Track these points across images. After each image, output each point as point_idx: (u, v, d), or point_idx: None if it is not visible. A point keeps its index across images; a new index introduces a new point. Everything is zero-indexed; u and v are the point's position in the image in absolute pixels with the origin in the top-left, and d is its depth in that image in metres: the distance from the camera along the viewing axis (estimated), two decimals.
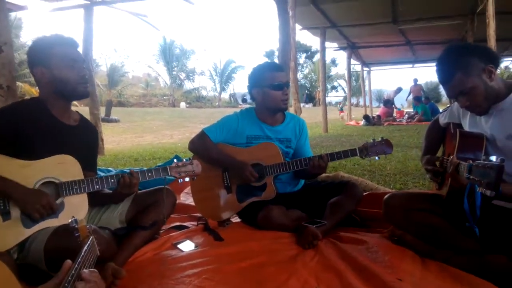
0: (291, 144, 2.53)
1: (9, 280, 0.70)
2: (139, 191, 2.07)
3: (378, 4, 8.01)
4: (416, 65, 18.83)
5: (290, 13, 6.34)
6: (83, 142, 1.96)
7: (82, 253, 0.95)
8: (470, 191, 1.53)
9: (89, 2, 6.71)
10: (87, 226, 1.12)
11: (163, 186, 2.06)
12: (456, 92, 1.74)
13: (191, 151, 2.48)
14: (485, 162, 1.34)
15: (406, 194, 2.21)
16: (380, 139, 2.28)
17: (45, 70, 1.81)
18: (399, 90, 16.82)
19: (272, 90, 2.39)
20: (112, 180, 1.83)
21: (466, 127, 1.91)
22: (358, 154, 2.27)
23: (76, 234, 1.09)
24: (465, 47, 1.76)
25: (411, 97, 15.93)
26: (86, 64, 1.98)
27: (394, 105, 16.04)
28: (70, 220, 1.11)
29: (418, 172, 4.13)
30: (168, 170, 1.94)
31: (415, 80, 16.15)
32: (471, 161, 1.46)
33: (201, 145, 2.44)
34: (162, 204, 2.02)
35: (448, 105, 2.80)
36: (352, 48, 13.72)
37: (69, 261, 0.91)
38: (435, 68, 1.79)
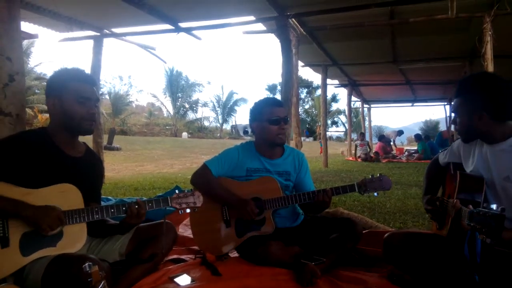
0: (290, 177, 2.55)
1: None
2: (141, 225, 2.07)
3: (378, 45, 8.24)
4: (415, 104, 19.11)
5: (294, 50, 6.53)
6: (87, 173, 1.97)
7: None
8: (470, 236, 1.53)
9: (99, 34, 6.92)
10: (100, 273, 1.16)
11: (163, 220, 2.06)
12: (453, 108, 1.87)
13: (192, 184, 2.49)
14: (486, 210, 1.34)
15: (406, 233, 2.20)
16: (378, 175, 2.30)
17: (57, 101, 1.86)
18: (400, 133, 17.04)
19: (269, 125, 2.44)
20: (112, 210, 1.83)
21: (469, 165, 1.90)
22: (357, 190, 2.28)
23: (89, 279, 1.14)
24: (488, 85, 1.74)
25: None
26: (98, 103, 2.00)
27: (394, 143, 16.20)
28: (84, 265, 1.16)
29: (418, 211, 4.12)
30: (169, 201, 1.94)
31: (400, 132, 16.45)
32: (471, 206, 1.47)
33: (202, 178, 2.45)
34: (162, 239, 2.01)
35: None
36: (353, 86, 13.98)
37: None
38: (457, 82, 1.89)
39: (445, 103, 16.90)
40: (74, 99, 1.85)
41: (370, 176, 2.29)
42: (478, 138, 1.82)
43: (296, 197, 2.32)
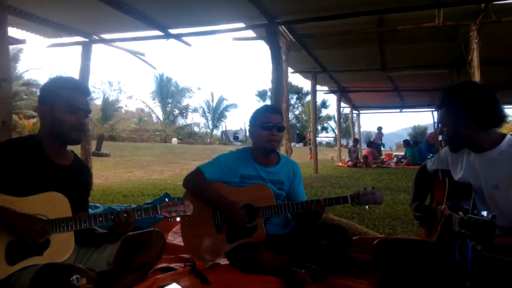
0: (283, 187, 2.55)
1: None
2: (129, 233, 2.04)
3: (367, 52, 8.33)
4: (404, 110, 19.36)
5: (283, 57, 6.56)
6: (75, 182, 1.94)
7: None
8: (461, 243, 1.54)
9: (87, 40, 6.87)
10: (88, 285, 1.14)
11: (152, 229, 2.03)
12: (438, 119, 1.88)
13: (184, 187, 2.49)
14: (477, 217, 1.35)
15: (395, 240, 2.21)
16: (371, 188, 2.31)
17: (47, 108, 1.84)
18: (379, 129, 17.44)
19: (261, 130, 2.46)
20: (100, 219, 1.81)
21: (457, 173, 1.91)
22: (350, 202, 2.30)
23: None
24: (472, 94, 1.74)
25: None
26: (90, 114, 1.99)
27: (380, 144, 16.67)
28: (71, 278, 1.14)
29: (407, 217, 4.15)
30: (159, 209, 1.92)
31: (379, 128, 17.03)
32: (461, 213, 1.48)
33: (194, 182, 2.45)
34: (151, 248, 1.99)
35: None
36: (342, 92, 14.10)
37: None
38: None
39: (433, 109, 17.14)
40: (66, 107, 1.83)
41: (363, 189, 2.31)
42: (465, 147, 1.83)
43: (289, 206, 2.32)
